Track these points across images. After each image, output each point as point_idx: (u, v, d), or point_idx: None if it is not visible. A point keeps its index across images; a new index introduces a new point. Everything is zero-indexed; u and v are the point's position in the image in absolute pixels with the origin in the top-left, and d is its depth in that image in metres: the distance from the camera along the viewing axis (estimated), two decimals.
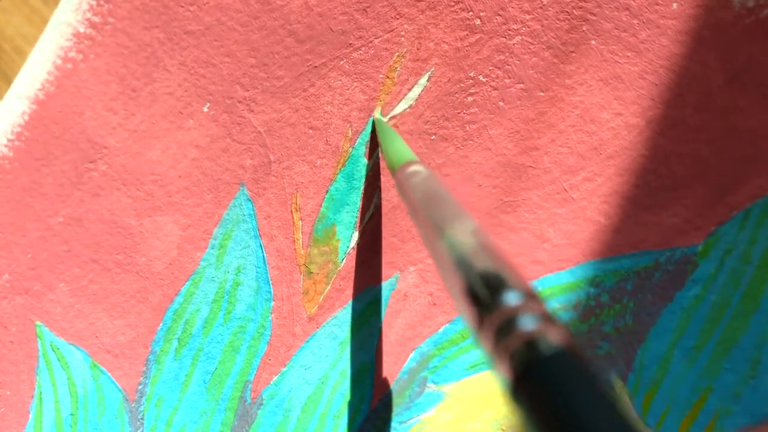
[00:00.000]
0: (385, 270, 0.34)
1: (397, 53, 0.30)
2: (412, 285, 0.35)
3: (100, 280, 0.30)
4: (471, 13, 0.30)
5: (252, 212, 0.31)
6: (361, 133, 0.31)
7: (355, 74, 0.30)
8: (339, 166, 0.31)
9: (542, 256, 0.35)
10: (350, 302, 0.34)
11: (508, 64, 0.31)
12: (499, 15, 0.30)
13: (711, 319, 0.37)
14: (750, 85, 0.32)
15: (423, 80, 0.30)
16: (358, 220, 0.32)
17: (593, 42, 0.31)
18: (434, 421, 0.38)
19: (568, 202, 0.34)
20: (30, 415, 0.31)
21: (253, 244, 0.31)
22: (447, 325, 0.36)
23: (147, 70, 0.27)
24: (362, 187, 0.32)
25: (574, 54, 0.31)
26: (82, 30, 0.26)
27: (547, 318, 0.16)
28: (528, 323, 0.16)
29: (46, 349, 0.30)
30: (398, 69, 0.30)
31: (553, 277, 0.36)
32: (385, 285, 0.34)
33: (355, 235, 0.33)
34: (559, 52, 0.31)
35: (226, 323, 0.32)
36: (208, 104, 0.28)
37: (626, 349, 0.37)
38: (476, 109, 0.31)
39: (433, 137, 0.32)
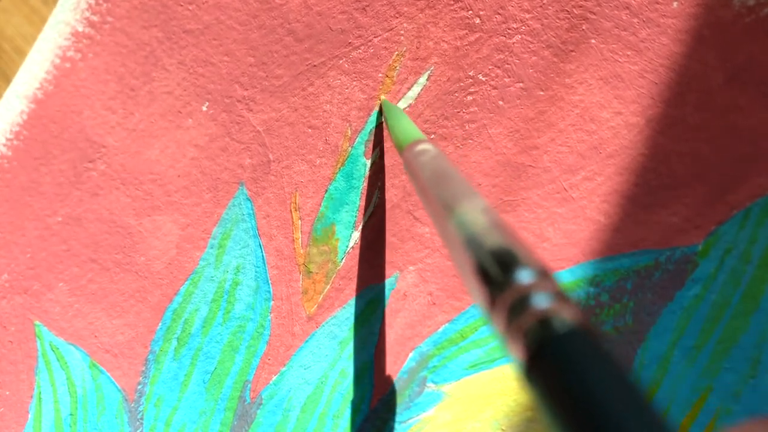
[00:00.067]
0: (385, 269, 0.34)
1: (396, 52, 0.30)
2: (411, 284, 0.34)
3: (99, 280, 0.30)
4: (470, 11, 0.30)
5: (251, 211, 0.31)
6: (360, 132, 0.31)
7: (354, 73, 0.29)
8: (338, 166, 0.31)
9: (542, 255, 0.35)
10: (350, 302, 0.34)
11: (507, 63, 0.31)
12: (499, 14, 0.30)
13: (711, 318, 0.37)
14: (750, 84, 0.32)
15: (422, 79, 0.30)
16: (357, 219, 0.32)
17: (593, 41, 0.31)
18: (434, 420, 0.38)
19: (567, 201, 0.34)
20: (29, 415, 0.31)
21: (252, 244, 0.31)
22: (446, 324, 0.36)
23: (146, 69, 0.27)
24: (362, 187, 0.32)
25: (573, 53, 0.31)
26: (80, 29, 0.26)
27: (561, 296, 0.16)
28: (541, 301, 0.16)
29: (45, 349, 0.30)
30: (398, 68, 0.30)
31: None
32: (385, 284, 0.34)
33: (355, 235, 0.33)
34: (559, 50, 0.31)
35: (226, 323, 0.32)
36: (207, 103, 0.28)
37: (626, 349, 0.37)
38: (476, 108, 0.31)
39: (433, 136, 0.31)
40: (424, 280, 0.35)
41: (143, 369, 0.32)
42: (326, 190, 0.31)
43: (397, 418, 0.37)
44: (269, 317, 0.33)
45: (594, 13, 0.31)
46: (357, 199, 0.32)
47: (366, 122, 0.31)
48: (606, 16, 0.31)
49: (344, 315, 0.34)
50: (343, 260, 0.33)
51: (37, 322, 0.30)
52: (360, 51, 0.29)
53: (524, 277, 0.17)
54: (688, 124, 0.33)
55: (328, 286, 0.33)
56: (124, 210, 0.29)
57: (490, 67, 0.31)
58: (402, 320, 0.35)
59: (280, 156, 0.30)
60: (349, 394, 0.36)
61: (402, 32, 0.29)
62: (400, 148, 0.27)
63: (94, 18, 0.26)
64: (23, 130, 0.27)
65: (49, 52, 0.26)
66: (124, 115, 0.27)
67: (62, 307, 0.30)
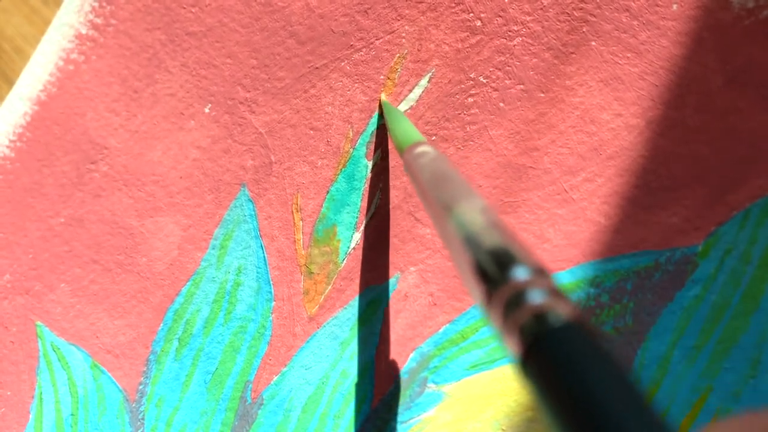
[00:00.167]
0: (386, 270, 0.34)
1: (398, 54, 0.30)
2: (412, 285, 0.35)
3: (100, 281, 0.30)
4: (472, 14, 0.30)
5: (253, 213, 0.31)
6: (361, 133, 0.31)
7: (356, 75, 0.30)
8: (340, 167, 0.31)
9: (542, 256, 0.35)
10: (351, 302, 0.34)
11: (508, 66, 0.31)
12: (500, 16, 0.30)
13: (711, 318, 0.37)
14: (749, 86, 0.32)
15: (424, 81, 0.30)
16: (358, 220, 0.32)
17: (593, 43, 0.31)
18: (434, 421, 0.38)
19: (568, 203, 0.34)
20: (30, 416, 0.31)
21: (254, 245, 0.31)
22: (447, 325, 0.36)
23: (149, 72, 0.27)
24: (363, 188, 0.32)
25: (574, 55, 0.31)
26: (84, 31, 0.26)
27: (556, 292, 0.16)
28: (537, 297, 0.16)
29: (47, 349, 0.30)
30: (399, 70, 0.30)
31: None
32: (386, 285, 0.34)
33: (356, 236, 0.33)
34: (560, 53, 0.31)
35: (227, 323, 0.32)
36: (210, 105, 0.28)
37: (626, 349, 0.37)
38: (477, 110, 0.31)
39: (434, 138, 0.32)
40: (425, 281, 0.35)
41: (144, 369, 0.32)
42: (328, 192, 0.31)
43: (398, 418, 0.37)
44: (270, 318, 0.33)
45: (594, 16, 0.31)
46: (358, 200, 0.32)
47: (367, 124, 0.31)
48: (606, 18, 0.31)
49: (345, 315, 0.34)
50: (345, 261, 0.33)
51: (38, 323, 0.30)
52: (362, 53, 0.29)
53: (520, 274, 0.17)
54: (688, 126, 0.33)
55: (330, 287, 0.33)
56: (126, 211, 0.29)
57: (491, 69, 0.31)
58: (403, 321, 0.35)
59: (282, 157, 0.30)
60: (350, 394, 0.36)
61: (403, 35, 0.29)
62: (401, 150, 0.27)
63: (98, 20, 0.26)
64: (26, 131, 0.27)
65: (53, 55, 0.26)
66: (126, 116, 0.27)
67: (64, 308, 0.30)
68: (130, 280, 0.30)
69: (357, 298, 0.34)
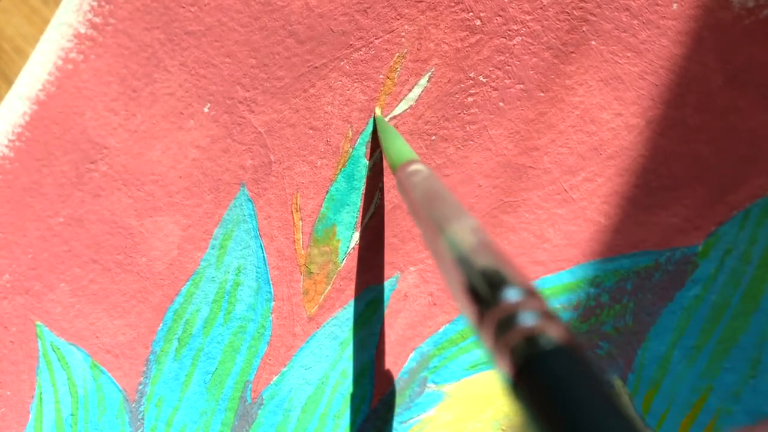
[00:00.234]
0: (386, 270, 0.34)
1: (397, 54, 0.30)
2: (412, 285, 0.35)
3: (100, 280, 0.30)
4: (471, 13, 0.30)
5: (252, 212, 0.31)
6: (361, 133, 0.31)
7: (355, 75, 0.30)
8: (339, 167, 0.31)
9: (542, 256, 0.35)
10: (350, 302, 0.34)
11: (508, 65, 0.31)
12: (500, 16, 0.30)
13: (711, 318, 0.37)
14: (750, 86, 0.32)
15: (423, 81, 0.30)
16: (358, 220, 0.32)
17: (593, 42, 0.31)
18: (434, 421, 0.38)
19: (568, 203, 0.34)
20: (30, 415, 0.31)
21: (254, 245, 0.31)
22: (447, 325, 0.36)
23: (148, 71, 0.27)
24: (362, 188, 0.32)
25: (574, 54, 0.31)
26: (83, 31, 0.26)
27: (547, 314, 0.17)
28: (528, 319, 0.16)
29: (47, 349, 0.30)
30: (398, 69, 0.30)
31: (553, 277, 0.36)
32: (386, 285, 0.34)
33: (356, 236, 0.33)
34: (560, 52, 0.31)
35: (227, 323, 0.32)
36: (209, 105, 0.28)
37: (626, 349, 0.37)
38: (476, 110, 0.31)
39: (434, 138, 0.32)
40: (425, 281, 0.35)
41: (144, 369, 0.32)
42: (327, 191, 0.31)
43: (398, 418, 0.37)
44: (270, 318, 0.33)
45: (594, 15, 0.31)
46: (358, 200, 0.32)
47: (367, 124, 0.31)
48: (606, 17, 0.31)
49: (345, 315, 0.34)
50: (344, 261, 0.33)
51: (38, 323, 0.30)
52: (361, 53, 0.29)
53: (512, 295, 0.17)
54: (688, 125, 0.33)
55: (329, 287, 0.33)
56: (125, 211, 0.29)
57: (490, 68, 0.31)
58: (403, 320, 0.35)
59: (282, 157, 0.30)
60: (349, 394, 0.36)
61: (403, 34, 0.29)
62: (393, 168, 0.27)
63: (97, 20, 0.26)
64: (25, 131, 0.27)
65: (52, 54, 0.26)
66: (126, 116, 0.27)
67: (63, 308, 0.30)
68: (129, 279, 0.30)
69: (356, 298, 0.34)
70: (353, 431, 0.36)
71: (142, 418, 0.33)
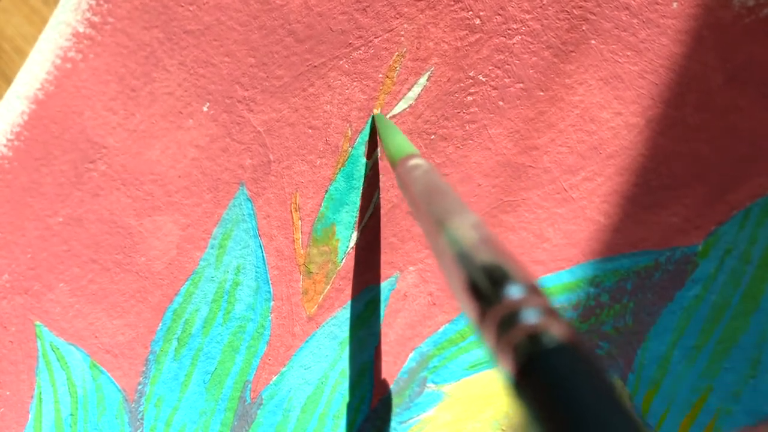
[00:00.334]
0: (385, 270, 0.34)
1: (396, 53, 0.30)
2: (411, 285, 0.35)
3: (99, 280, 0.30)
4: (471, 12, 0.30)
5: (251, 212, 0.31)
6: (360, 132, 0.31)
7: (354, 74, 0.30)
8: (338, 166, 0.31)
9: (542, 255, 0.35)
10: (350, 302, 0.34)
11: (507, 64, 0.31)
12: (499, 14, 0.30)
13: (711, 318, 0.37)
14: (750, 85, 0.32)
15: (422, 80, 0.30)
16: (357, 219, 0.32)
17: (593, 41, 0.31)
18: (434, 421, 0.38)
19: (567, 202, 0.34)
20: (29, 416, 0.31)
21: (253, 244, 0.31)
22: (447, 325, 0.36)
23: (146, 70, 0.27)
24: (362, 187, 0.32)
25: (573, 53, 0.31)
26: (81, 30, 0.26)
27: (550, 312, 0.16)
28: (531, 317, 0.16)
29: (46, 349, 0.30)
30: (398, 68, 0.30)
31: (553, 277, 0.36)
32: (385, 285, 0.34)
33: (355, 235, 0.33)
34: (559, 51, 0.31)
35: (226, 323, 0.32)
36: (208, 104, 0.28)
37: (626, 349, 0.37)
38: (476, 109, 0.31)
39: (433, 137, 0.32)
40: (425, 281, 0.35)
41: (143, 369, 0.32)
42: (326, 191, 0.31)
43: (398, 418, 0.37)
44: (269, 317, 0.33)
45: (594, 14, 0.31)
46: (357, 199, 0.32)
47: (366, 123, 0.31)
48: (606, 16, 0.31)
49: (344, 315, 0.34)
50: (344, 260, 0.33)
51: (37, 323, 0.30)
52: (360, 52, 0.29)
53: (514, 292, 0.17)
54: (688, 124, 0.33)
55: (329, 287, 0.33)
56: (124, 210, 0.29)
57: (490, 67, 0.31)
58: (402, 320, 0.35)
59: (281, 156, 0.30)
60: (349, 394, 0.36)
61: (402, 33, 0.29)
62: (393, 163, 0.27)
63: (95, 19, 0.26)
64: (24, 130, 0.27)
65: (50, 53, 0.26)
66: (125, 115, 0.27)
67: (63, 308, 0.30)
68: (128, 279, 0.30)
69: (356, 297, 0.34)
70: (353, 431, 0.36)
71: (142, 418, 0.33)
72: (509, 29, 0.30)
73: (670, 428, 0.39)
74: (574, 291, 0.36)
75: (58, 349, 0.30)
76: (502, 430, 0.39)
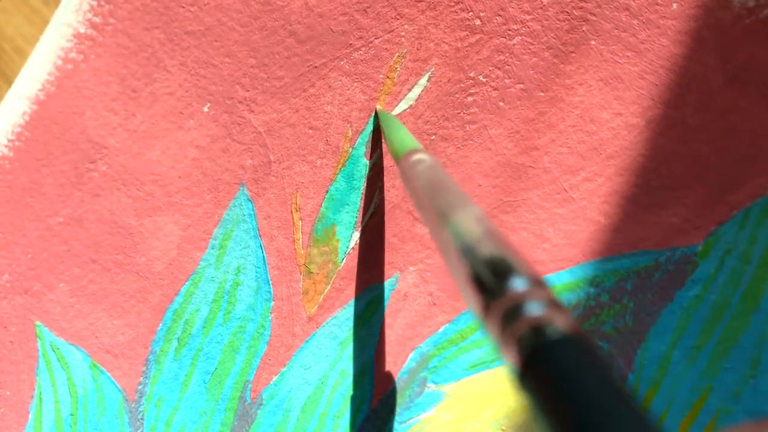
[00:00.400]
0: (385, 270, 0.34)
1: (397, 53, 0.30)
2: (412, 285, 0.35)
3: (99, 280, 0.30)
4: (471, 13, 0.30)
5: (252, 212, 0.31)
6: (361, 133, 0.31)
7: (355, 74, 0.30)
8: (339, 166, 0.31)
9: (542, 256, 0.35)
10: (350, 302, 0.34)
11: (508, 65, 0.31)
12: (499, 15, 0.30)
13: (711, 318, 0.37)
14: (750, 85, 0.32)
15: (423, 80, 0.30)
16: (358, 220, 0.32)
17: (593, 42, 0.31)
18: (434, 421, 0.38)
19: (568, 202, 0.34)
20: (30, 416, 0.31)
21: (253, 244, 0.31)
22: (447, 325, 0.36)
23: (147, 71, 0.27)
24: (362, 187, 0.32)
25: (574, 54, 0.31)
26: (82, 31, 0.26)
27: (554, 304, 0.16)
28: (535, 309, 0.16)
29: (46, 349, 0.30)
30: (398, 69, 0.30)
31: (553, 277, 0.36)
32: (385, 285, 0.34)
33: (355, 235, 0.33)
34: (559, 52, 0.31)
35: (226, 323, 0.32)
36: (209, 104, 0.28)
37: (626, 349, 0.37)
38: (476, 109, 0.31)
39: (433, 137, 0.32)
40: (425, 281, 0.35)
41: (144, 369, 0.32)
42: (327, 191, 0.31)
43: (398, 418, 0.37)
44: (270, 318, 0.33)
45: (594, 15, 0.31)
46: (358, 199, 0.32)
47: (367, 123, 0.31)
48: (606, 17, 0.31)
49: (345, 315, 0.34)
50: (344, 261, 0.33)
51: (37, 323, 0.30)
52: (361, 52, 0.29)
53: (518, 285, 0.17)
54: (688, 125, 0.33)
55: (329, 287, 0.33)
56: (125, 211, 0.29)
57: (490, 68, 0.31)
58: (402, 320, 0.35)
59: (281, 157, 0.30)
60: (349, 394, 0.36)
61: (403, 34, 0.29)
62: (397, 158, 0.27)
63: (96, 19, 0.26)
64: (25, 131, 0.27)
65: (51, 54, 0.26)
66: (125, 116, 0.27)
67: (63, 308, 0.30)
68: (129, 279, 0.30)
69: (356, 297, 0.34)
70: (353, 431, 0.36)
71: (142, 418, 0.33)
72: (509, 30, 0.30)
73: (670, 428, 0.39)
74: (574, 291, 0.36)
75: (58, 349, 0.30)
76: (502, 430, 0.39)
